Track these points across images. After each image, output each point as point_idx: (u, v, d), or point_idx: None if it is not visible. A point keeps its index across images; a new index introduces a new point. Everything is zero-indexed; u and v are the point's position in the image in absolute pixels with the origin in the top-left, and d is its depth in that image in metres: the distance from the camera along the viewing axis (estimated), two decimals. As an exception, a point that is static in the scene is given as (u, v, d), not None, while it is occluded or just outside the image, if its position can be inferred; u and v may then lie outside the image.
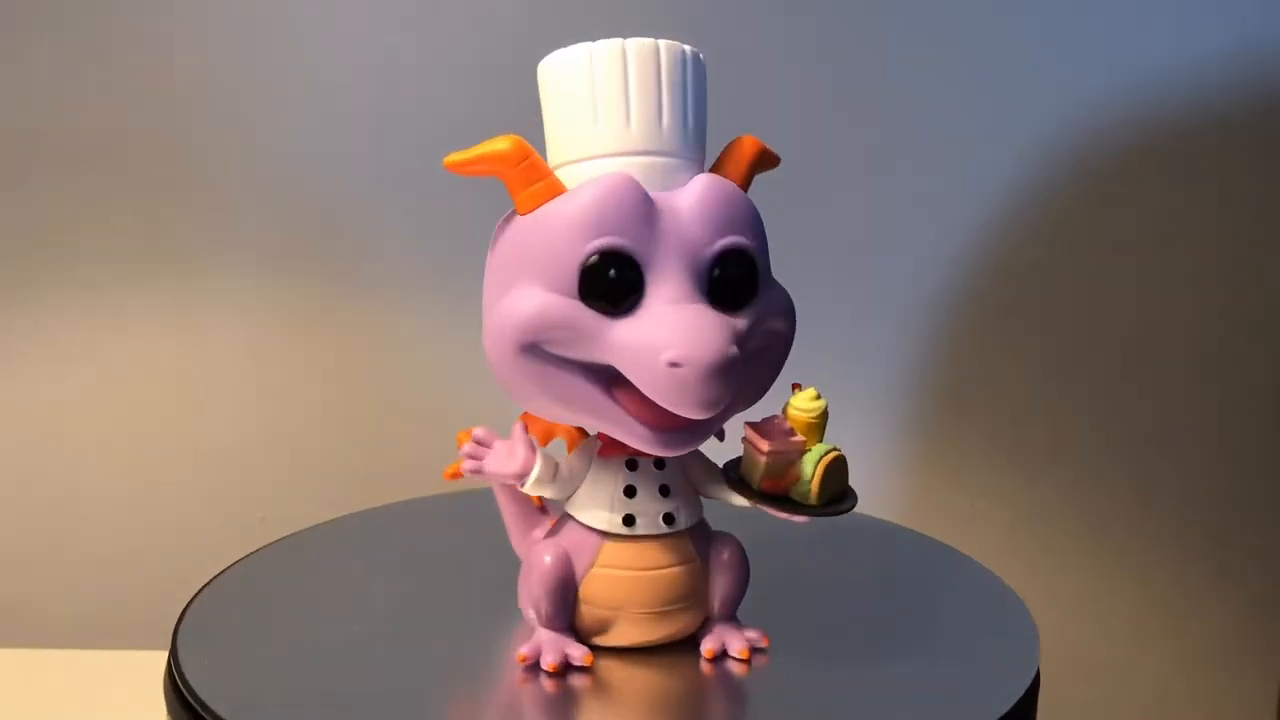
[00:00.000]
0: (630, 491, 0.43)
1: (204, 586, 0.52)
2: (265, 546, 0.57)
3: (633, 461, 0.43)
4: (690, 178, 0.40)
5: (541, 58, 0.42)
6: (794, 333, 0.43)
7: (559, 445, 0.46)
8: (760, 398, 0.43)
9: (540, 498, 0.48)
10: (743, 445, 0.42)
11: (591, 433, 0.44)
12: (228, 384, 0.81)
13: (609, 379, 0.39)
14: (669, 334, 0.37)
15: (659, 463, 0.43)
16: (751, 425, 0.42)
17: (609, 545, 0.43)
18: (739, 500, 0.42)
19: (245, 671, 0.44)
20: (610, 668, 0.44)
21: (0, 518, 0.81)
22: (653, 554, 0.43)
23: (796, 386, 0.42)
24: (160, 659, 0.45)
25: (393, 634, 0.47)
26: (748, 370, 0.40)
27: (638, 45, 0.40)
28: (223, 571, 0.54)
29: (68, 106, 0.77)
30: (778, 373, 0.43)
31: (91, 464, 0.81)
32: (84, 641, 0.78)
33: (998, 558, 0.59)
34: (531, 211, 0.40)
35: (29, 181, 0.78)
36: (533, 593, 0.43)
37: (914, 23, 0.80)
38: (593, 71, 0.40)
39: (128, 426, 0.81)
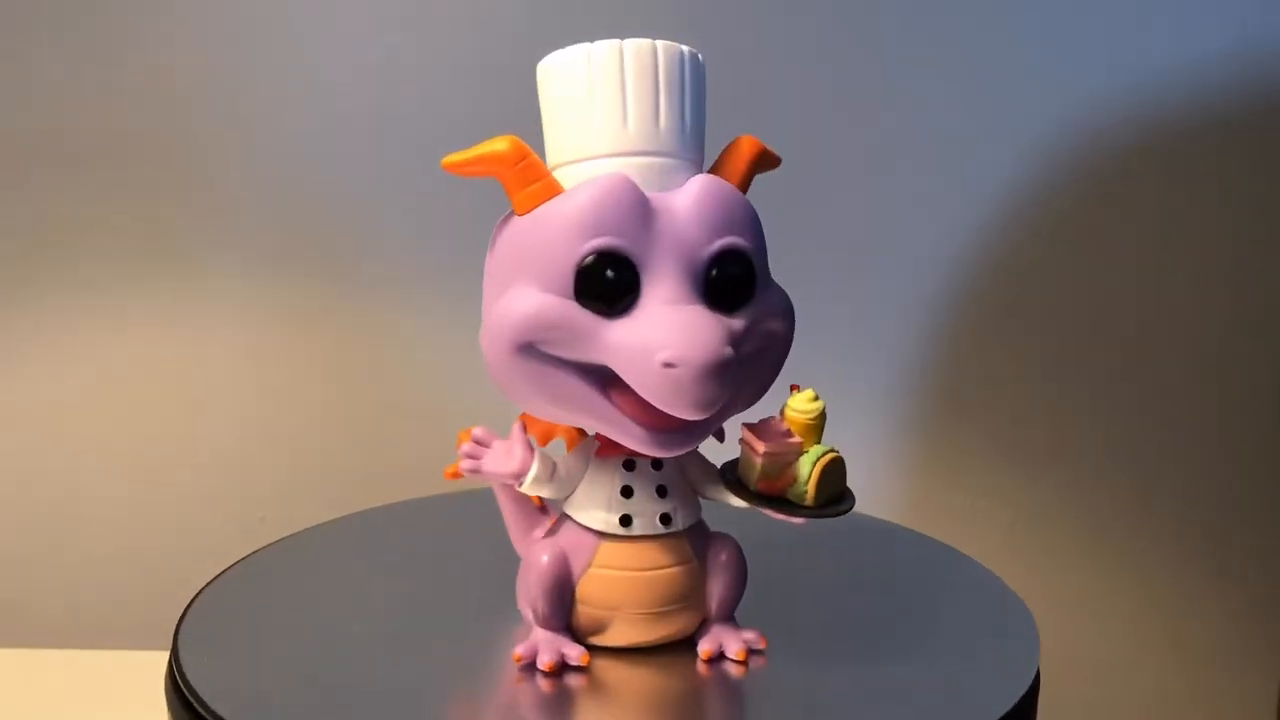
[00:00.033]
0: (627, 492, 0.43)
1: (204, 586, 0.52)
2: (265, 546, 0.57)
3: (630, 462, 0.43)
4: (688, 178, 0.40)
5: (541, 58, 0.42)
6: (793, 334, 0.43)
7: (558, 445, 0.46)
8: (759, 399, 0.43)
9: (540, 497, 0.48)
10: (740, 446, 0.42)
11: (590, 433, 0.44)
12: (228, 384, 0.81)
13: (605, 379, 0.39)
14: (664, 334, 0.37)
15: (656, 463, 0.43)
16: (748, 426, 0.42)
17: (606, 545, 0.43)
18: (736, 501, 0.42)
19: (245, 671, 0.44)
20: (607, 668, 0.44)
21: (0, 518, 0.81)
22: (650, 554, 0.43)
23: (795, 388, 0.42)
24: (160, 659, 0.45)
25: (393, 634, 0.47)
26: (745, 371, 0.40)
27: (635, 46, 0.40)
28: (223, 571, 0.54)
29: (68, 106, 0.77)
30: (776, 374, 0.43)
31: (91, 464, 0.81)
32: (84, 641, 0.78)
33: (998, 558, 0.59)
34: (529, 212, 0.40)
35: (29, 181, 0.78)
36: (530, 592, 0.43)
37: (914, 23, 0.80)
38: (590, 72, 0.40)
39: (128, 426, 0.81)
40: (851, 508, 0.42)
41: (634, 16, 0.77)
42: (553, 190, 0.40)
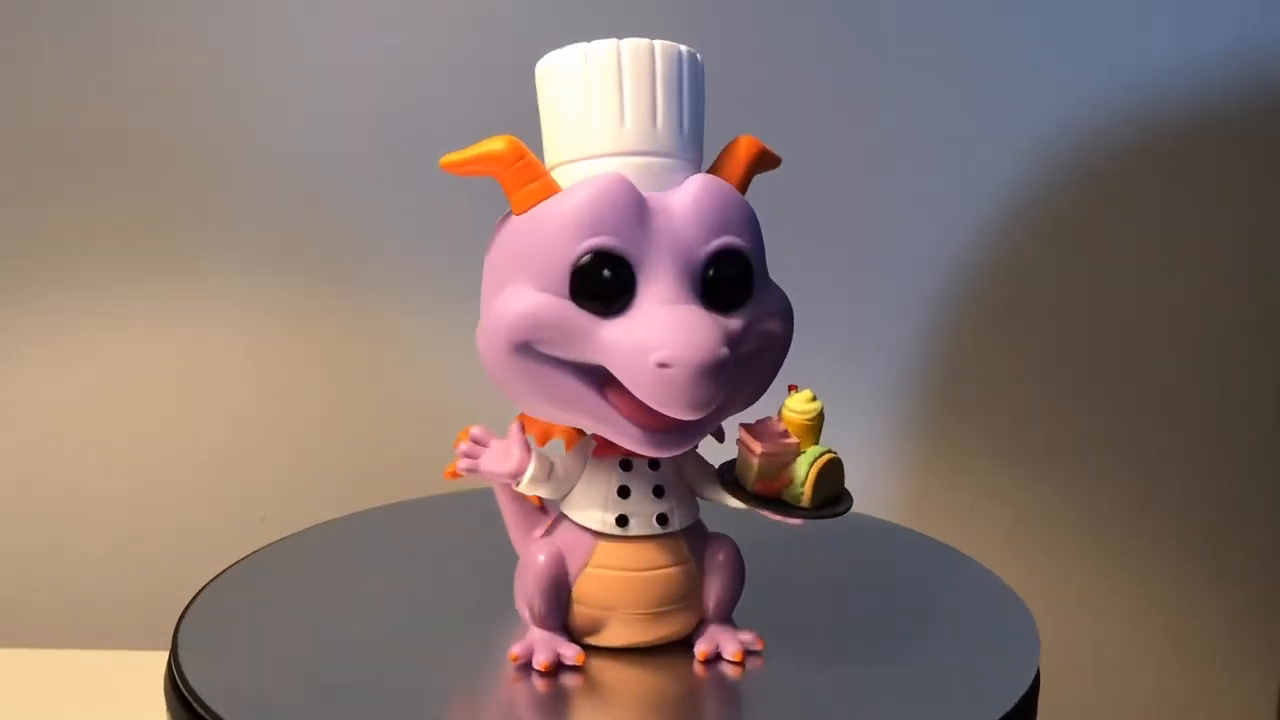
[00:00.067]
0: (624, 492, 0.43)
1: (204, 586, 0.52)
2: (265, 546, 0.57)
3: (627, 462, 0.43)
4: (686, 178, 0.40)
5: (541, 58, 0.42)
6: (791, 334, 0.43)
7: (557, 445, 0.46)
8: (757, 399, 0.43)
9: (540, 497, 0.48)
10: (737, 447, 0.42)
11: (588, 433, 0.44)
12: (228, 384, 0.81)
13: (601, 379, 0.39)
14: (659, 334, 0.37)
15: (653, 463, 0.43)
16: (745, 427, 0.42)
17: (602, 545, 0.43)
18: (733, 502, 0.42)
19: (245, 671, 0.44)
20: (603, 668, 0.44)
21: (0, 518, 0.81)
22: (646, 554, 0.43)
23: (793, 388, 0.42)
24: (160, 659, 0.45)
25: (393, 634, 0.47)
26: (742, 371, 0.40)
27: (632, 46, 0.40)
28: (223, 571, 0.54)
29: (68, 106, 0.77)
30: (775, 374, 0.43)
31: (91, 464, 0.81)
32: (84, 641, 0.78)
33: (998, 558, 0.59)
34: (526, 211, 0.40)
35: (29, 181, 0.78)
36: (526, 592, 0.43)
37: (914, 23, 0.80)
38: (588, 72, 0.40)
39: (128, 426, 0.81)
40: (849, 509, 0.42)
41: (634, 16, 0.77)
42: (550, 190, 0.40)
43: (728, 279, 0.40)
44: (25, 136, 0.77)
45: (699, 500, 0.45)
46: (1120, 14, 0.80)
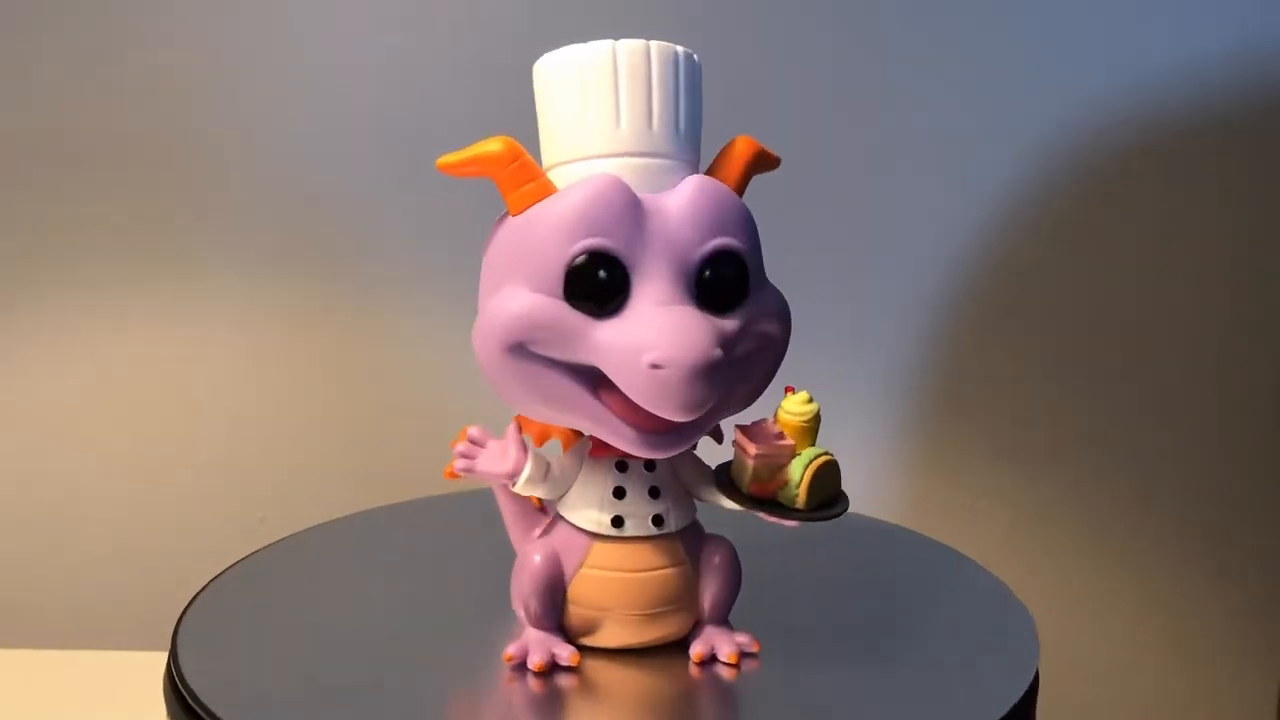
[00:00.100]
0: (619, 493, 0.43)
1: (204, 586, 0.52)
2: (265, 547, 0.57)
3: (622, 463, 0.43)
4: (683, 179, 0.40)
5: (539, 58, 0.42)
6: (789, 335, 0.43)
7: (555, 446, 0.46)
8: (754, 400, 0.43)
9: (540, 498, 0.48)
10: (733, 448, 0.42)
11: (585, 433, 0.45)
12: (228, 384, 0.81)
13: (595, 380, 0.39)
14: (652, 335, 0.37)
15: (649, 464, 0.43)
16: (741, 428, 0.42)
17: (598, 546, 0.43)
18: (729, 504, 0.42)
19: (245, 672, 0.44)
20: (598, 669, 0.44)
21: (0, 518, 0.81)
22: (642, 556, 0.43)
23: (789, 389, 0.42)
24: (160, 659, 0.45)
25: (393, 634, 0.47)
26: (737, 373, 0.40)
27: (628, 46, 0.40)
28: (223, 571, 0.54)
29: (68, 106, 0.77)
30: (772, 375, 0.43)
31: (91, 464, 0.81)
32: (84, 641, 0.78)
33: (998, 558, 0.59)
34: (522, 212, 0.40)
35: (29, 181, 0.78)
36: (522, 592, 0.43)
37: (914, 23, 0.80)
38: (583, 73, 0.40)
39: (128, 426, 0.81)
40: (844, 511, 0.42)
41: (634, 16, 0.77)
42: (546, 191, 0.40)
43: (723, 280, 0.40)
44: (25, 136, 0.77)
45: (696, 502, 0.45)
46: (1120, 14, 0.80)
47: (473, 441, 0.44)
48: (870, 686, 0.43)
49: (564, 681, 0.43)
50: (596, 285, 0.38)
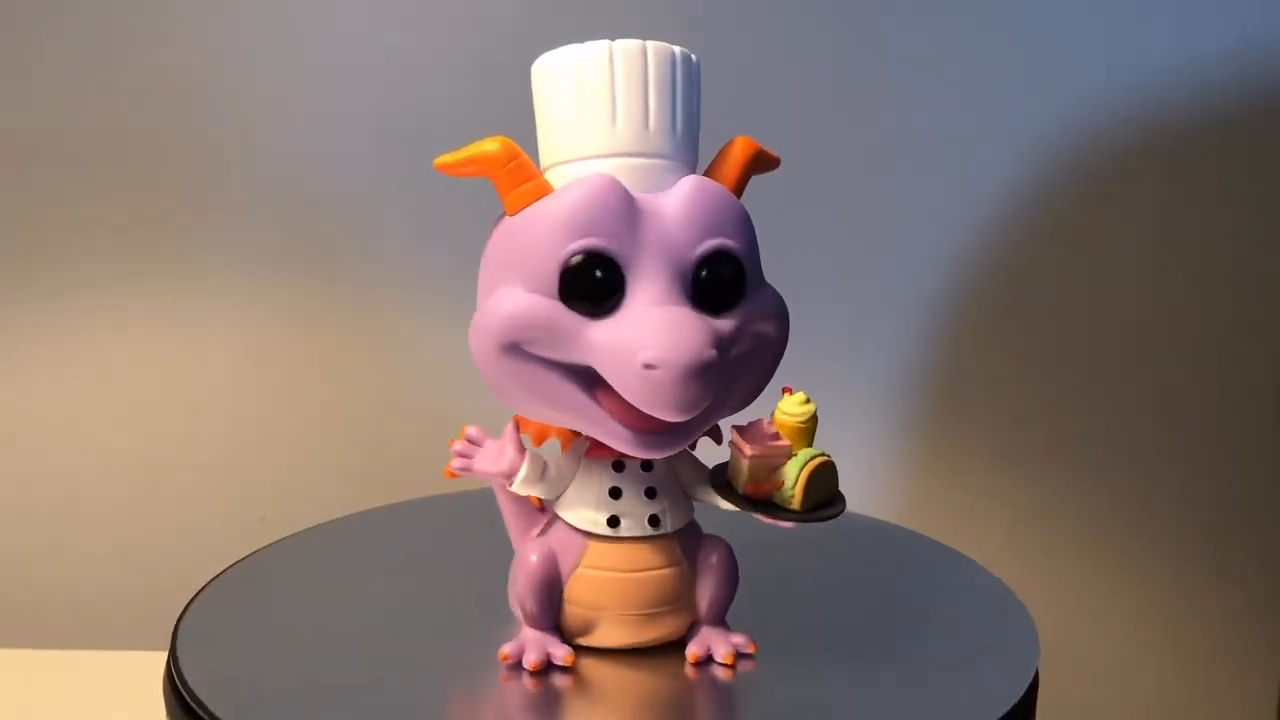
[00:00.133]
0: (616, 493, 0.43)
1: (204, 586, 0.52)
2: (265, 546, 0.57)
3: (619, 463, 0.43)
4: (679, 179, 0.40)
5: (538, 58, 0.42)
6: (786, 336, 0.42)
7: (553, 446, 0.46)
8: (751, 401, 0.43)
9: (540, 497, 0.48)
10: (729, 449, 0.42)
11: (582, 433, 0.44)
12: (228, 384, 0.81)
13: (590, 380, 0.39)
14: (646, 335, 0.37)
15: (646, 465, 0.43)
16: (737, 429, 0.42)
17: (594, 546, 0.43)
18: (725, 504, 0.42)
19: (245, 672, 0.44)
20: (594, 668, 0.44)
21: (0, 518, 0.81)
22: (638, 556, 0.43)
23: (786, 390, 0.42)
24: (160, 659, 0.45)
25: (393, 634, 0.47)
26: (733, 373, 0.40)
27: (625, 47, 0.40)
28: (223, 571, 0.54)
29: (68, 106, 0.77)
30: (769, 376, 0.43)
31: (91, 464, 0.81)
32: (84, 641, 0.78)
33: (998, 558, 0.59)
34: (518, 212, 0.40)
35: (29, 181, 0.78)
36: (518, 591, 0.44)
37: (914, 23, 0.80)
38: (580, 73, 0.40)
39: (128, 426, 0.81)
40: (840, 513, 0.42)
41: (634, 17, 0.77)
42: (542, 191, 0.40)
43: (719, 280, 0.40)
44: (25, 136, 0.77)
45: (694, 503, 0.45)
46: (1120, 14, 0.80)
47: (470, 440, 0.44)
48: (870, 686, 0.43)
49: (560, 681, 0.43)
50: (591, 285, 0.38)
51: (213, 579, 0.53)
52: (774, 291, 0.42)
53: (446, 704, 0.42)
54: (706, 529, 0.45)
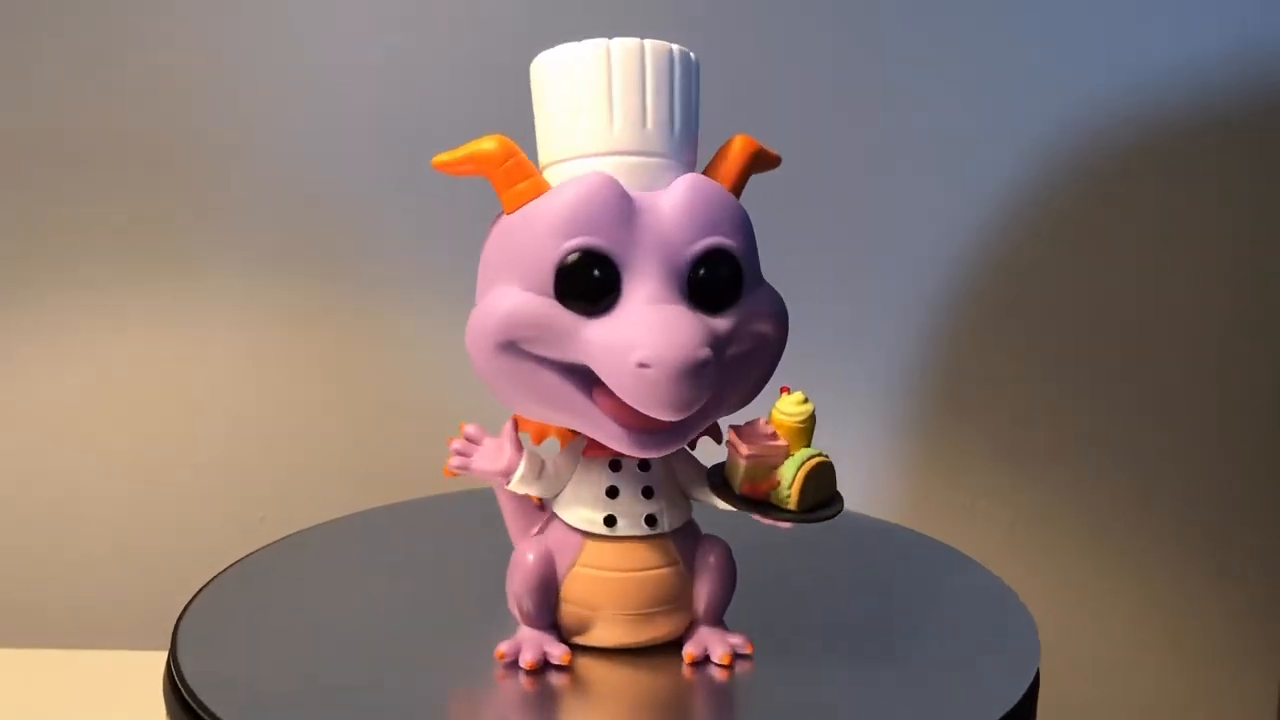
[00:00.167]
0: (612, 492, 0.43)
1: (204, 586, 0.52)
2: (265, 546, 0.57)
3: (616, 462, 0.43)
4: (676, 178, 0.40)
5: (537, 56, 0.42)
6: (785, 335, 0.42)
7: (552, 445, 0.46)
8: (749, 401, 0.43)
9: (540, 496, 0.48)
10: (727, 449, 0.42)
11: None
12: (228, 384, 0.81)
13: (587, 379, 0.39)
14: (640, 334, 0.37)
15: (643, 464, 0.43)
16: (734, 428, 0.42)
17: (590, 545, 0.43)
18: (722, 504, 0.42)
19: (245, 671, 0.44)
20: (591, 668, 0.44)
21: (1, 518, 0.81)
22: (634, 555, 0.43)
23: (785, 390, 0.42)
24: (160, 659, 0.45)
25: (393, 634, 0.47)
26: (730, 373, 0.40)
27: (622, 45, 0.40)
28: (223, 571, 0.54)
29: (68, 106, 0.77)
30: (767, 376, 0.43)
31: (91, 464, 0.81)
32: (84, 641, 0.78)
33: (998, 558, 0.59)
34: (515, 211, 0.40)
35: (29, 181, 0.78)
36: (515, 590, 0.44)
37: (914, 23, 0.80)
38: (577, 71, 0.40)
39: (128, 426, 0.81)
40: (838, 514, 0.41)
41: (634, 16, 0.77)
42: (540, 189, 0.40)
43: (716, 279, 0.40)
44: (25, 136, 0.77)
45: (693, 502, 0.45)
46: (1120, 14, 0.80)
47: (469, 439, 0.44)
48: (870, 686, 0.43)
49: (556, 680, 0.43)
50: (587, 284, 0.38)
51: (213, 579, 0.53)
52: (773, 291, 0.42)
53: (446, 703, 0.42)
54: (706, 529, 0.45)
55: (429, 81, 0.78)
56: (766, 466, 0.41)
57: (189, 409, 0.81)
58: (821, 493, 0.41)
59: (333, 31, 0.78)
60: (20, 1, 0.76)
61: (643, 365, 0.37)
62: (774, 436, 0.41)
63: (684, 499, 0.44)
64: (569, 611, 0.44)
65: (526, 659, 0.43)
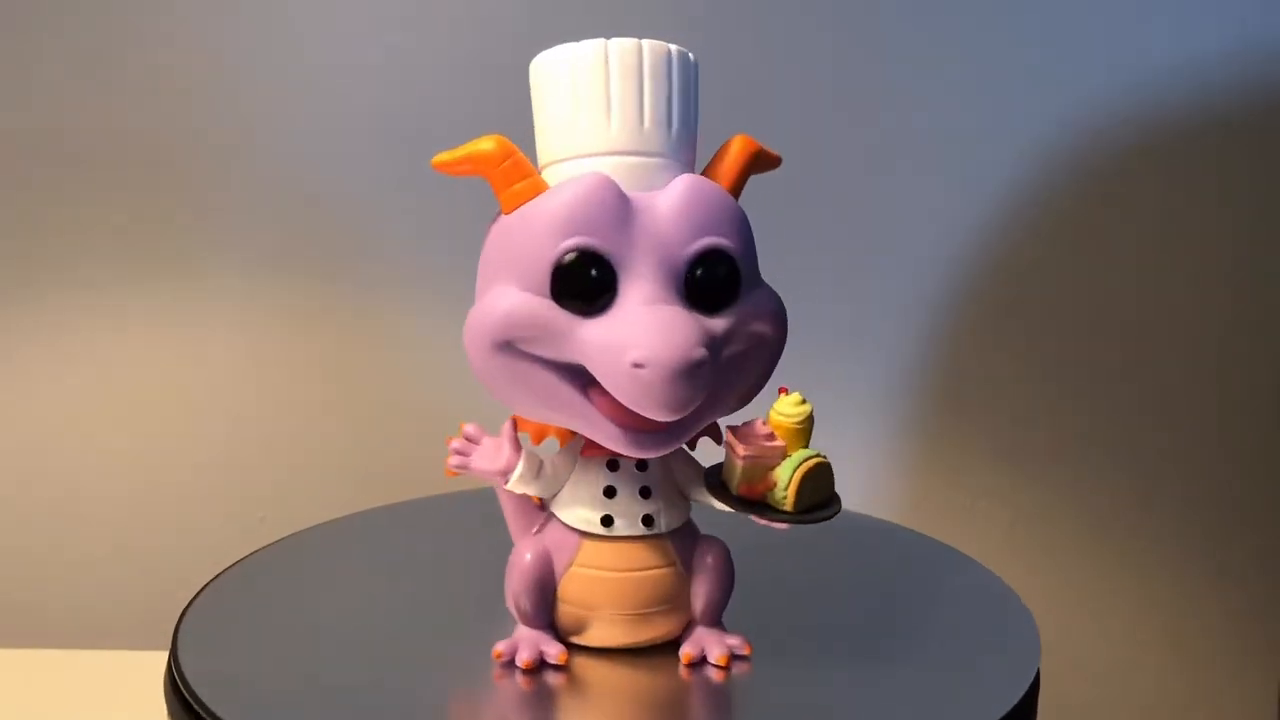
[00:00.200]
0: (610, 492, 0.43)
1: (204, 586, 0.52)
2: (265, 546, 0.57)
3: (614, 462, 0.43)
4: (674, 178, 0.40)
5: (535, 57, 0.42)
6: (784, 336, 0.42)
7: (552, 445, 0.46)
8: (747, 401, 0.43)
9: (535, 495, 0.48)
10: (724, 449, 0.42)
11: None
12: (228, 384, 0.81)
13: (584, 379, 0.39)
14: (635, 334, 0.37)
15: (641, 464, 0.43)
16: (731, 429, 0.41)
17: (588, 545, 0.43)
18: (719, 505, 0.42)
19: (245, 671, 0.44)
20: (588, 667, 0.44)
21: (1, 518, 0.81)
22: (631, 555, 0.43)
23: (783, 391, 0.42)
24: (160, 659, 0.45)
25: (393, 634, 0.47)
26: (727, 373, 0.40)
27: (620, 45, 0.40)
28: (223, 571, 0.54)
29: (68, 106, 0.77)
30: (766, 376, 0.43)
31: (91, 464, 0.81)
32: (84, 641, 0.78)
33: (998, 558, 0.59)
34: (513, 211, 0.40)
35: (29, 181, 0.78)
36: (513, 589, 0.44)
37: (914, 23, 0.80)
38: (575, 71, 0.40)
39: (128, 426, 0.81)
40: (835, 515, 0.41)
41: (634, 16, 0.77)
42: (537, 189, 0.40)
43: (712, 280, 0.40)
44: (25, 136, 0.77)
45: (691, 503, 0.45)
46: (1120, 14, 0.80)
47: (468, 438, 0.44)
48: (869, 686, 0.43)
49: (553, 680, 0.43)
50: (583, 284, 0.38)
51: (213, 579, 0.53)
52: (771, 291, 0.42)
53: (445, 703, 0.42)
54: (704, 529, 0.45)
55: (429, 81, 0.78)
56: (763, 467, 0.41)
57: (189, 409, 0.81)
58: (819, 494, 0.41)
59: (333, 31, 0.78)
60: (20, 1, 0.76)
61: (637, 365, 0.37)
62: (771, 437, 0.41)
63: (682, 499, 0.44)
64: (566, 611, 0.44)
65: (523, 658, 0.43)
